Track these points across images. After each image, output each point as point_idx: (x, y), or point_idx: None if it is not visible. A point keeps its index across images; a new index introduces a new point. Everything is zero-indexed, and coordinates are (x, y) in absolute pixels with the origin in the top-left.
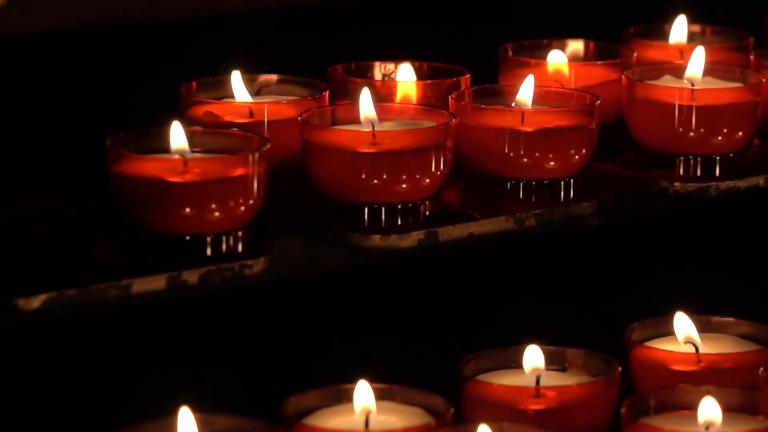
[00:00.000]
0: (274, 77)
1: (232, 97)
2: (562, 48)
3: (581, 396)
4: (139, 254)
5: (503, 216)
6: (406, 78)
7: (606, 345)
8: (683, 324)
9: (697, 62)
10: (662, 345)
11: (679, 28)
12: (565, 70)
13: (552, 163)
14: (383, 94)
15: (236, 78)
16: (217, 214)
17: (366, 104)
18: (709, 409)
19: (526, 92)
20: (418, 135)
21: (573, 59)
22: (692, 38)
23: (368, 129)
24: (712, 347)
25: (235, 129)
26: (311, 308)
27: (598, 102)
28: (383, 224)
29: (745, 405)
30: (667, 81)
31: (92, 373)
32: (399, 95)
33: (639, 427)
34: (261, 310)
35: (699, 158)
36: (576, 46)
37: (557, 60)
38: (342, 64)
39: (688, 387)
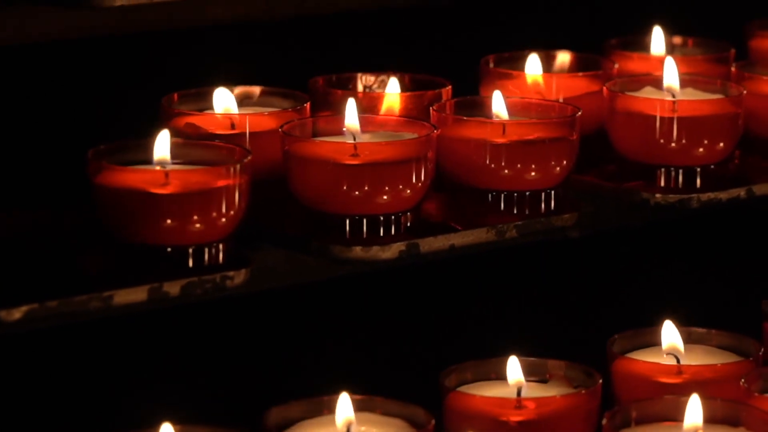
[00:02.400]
0: (256, 89)
1: (215, 108)
2: (543, 59)
3: (562, 408)
4: (121, 266)
5: (484, 227)
6: (388, 90)
7: (587, 356)
8: (670, 333)
9: (671, 73)
10: (643, 356)
11: (657, 40)
12: (546, 81)
13: (533, 175)
14: (365, 106)
15: (222, 93)
16: (198, 225)
17: (351, 115)
18: (694, 413)
19: (503, 104)
20: (400, 147)
21: (554, 71)
22: (673, 50)
23: (350, 140)
24: (693, 359)
25: (217, 141)
26: (293, 320)
27: (579, 113)
28: (364, 236)
29: (727, 417)
30: (648, 92)
31: (73, 385)
32: (380, 107)
33: None
34: (242, 322)
35: (680, 170)
36: (557, 57)
37: (538, 71)
38: (323, 75)
39: (670, 398)
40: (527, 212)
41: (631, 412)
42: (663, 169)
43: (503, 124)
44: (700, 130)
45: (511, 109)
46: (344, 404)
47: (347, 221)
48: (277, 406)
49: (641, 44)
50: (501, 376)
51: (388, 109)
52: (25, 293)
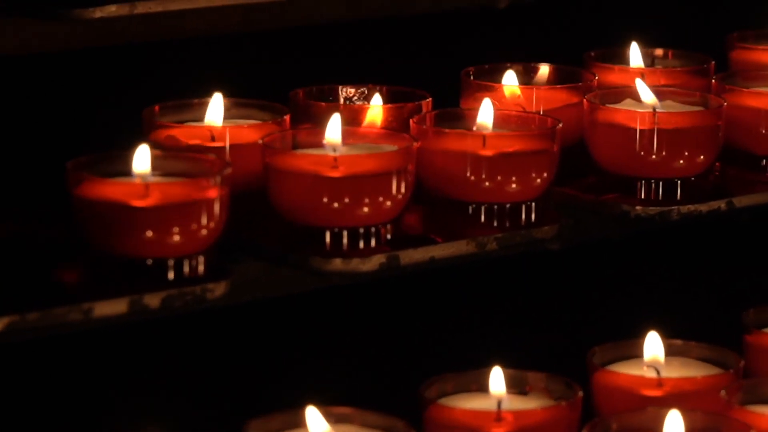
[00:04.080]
0: (235, 101)
1: (195, 120)
2: (524, 72)
3: (543, 420)
4: (101, 278)
5: (464, 240)
6: (368, 102)
7: (567, 369)
8: (653, 345)
9: (643, 87)
10: (624, 369)
11: (635, 53)
12: (526, 93)
13: (513, 187)
14: (345, 118)
15: (211, 100)
16: (178, 237)
17: (334, 129)
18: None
19: (485, 116)
20: (380, 159)
21: (534, 83)
22: (654, 62)
23: (330, 153)
24: (673, 371)
25: (197, 153)
26: (273, 332)
27: (560, 126)
28: (345, 248)
29: (707, 429)
30: (628, 105)
31: (52, 397)
32: (361, 119)
33: None
34: (222, 334)
35: (660, 182)
36: (537, 69)
37: (518, 84)
38: (303, 87)
39: (650, 410)
40: (508, 224)
41: (611, 425)
42: (643, 182)
43: (483, 136)
44: (680, 143)
45: (491, 121)
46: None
47: (327, 233)
48: (257, 418)
49: (621, 56)
50: (482, 388)
51: (369, 122)
52: (4, 305)
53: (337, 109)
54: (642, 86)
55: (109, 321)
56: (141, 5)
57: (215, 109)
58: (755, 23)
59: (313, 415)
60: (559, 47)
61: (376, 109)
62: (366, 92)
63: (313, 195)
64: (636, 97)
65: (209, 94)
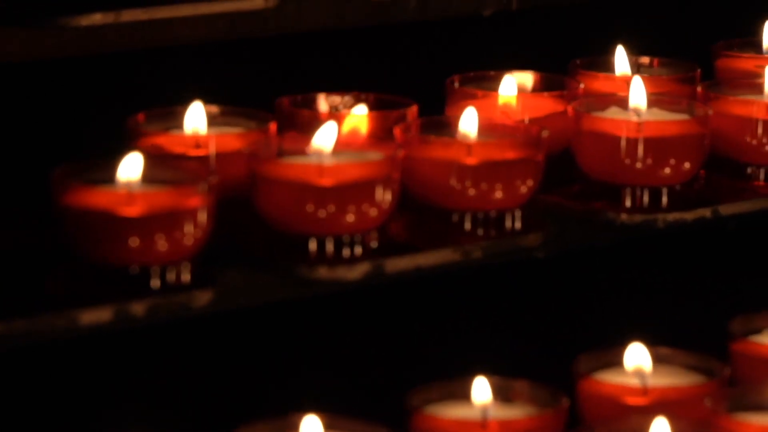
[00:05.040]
0: (220, 109)
1: (180, 128)
2: (509, 80)
3: (528, 428)
4: (86, 286)
5: (450, 248)
6: (353, 110)
7: (553, 377)
8: (637, 354)
9: (637, 92)
10: (609, 377)
11: (621, 60)
12: (512, 101)
13: (499, 195)
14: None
15: (196, 108)
16: (164, 246)
17: (323, 136)
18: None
19: (468, 124)
20: (365, 167)
21: (520, 91)
22: (639, 70)
23: (315, 161)
24: (659, 379)
25: (182, 161)
26: (258, 340)
27: (545, 134)
28: (330, 256)
29: None
30: (613, 113)
31: (37, 405)
32: (346, 127)
33: None
34: (208, 342)
35: (646, 190)
36: (522, 77)
37: (504, 92)
38: (289, 95)
39: (636, 419)
40: (493, 233)
41: None
42: (629, 190)
43: (469, 145)
44: (665, 151)
45: (476, 129)
46: (311, 425)
47: (313, 241)
48: (243, 427)
49: (607, 64)
50: (467, 397)
51: (354, 129)
52: None
53: (322, 117)
54: (638, 87)
55: (95, 329)
56: (126, 13)
57: (196, 116)
58: (741, 32)
59: (299, 422)
60: (544, 55)
61: (359, 118)
62: (351, 100)
63: (299, 203)
64: (622, 105)
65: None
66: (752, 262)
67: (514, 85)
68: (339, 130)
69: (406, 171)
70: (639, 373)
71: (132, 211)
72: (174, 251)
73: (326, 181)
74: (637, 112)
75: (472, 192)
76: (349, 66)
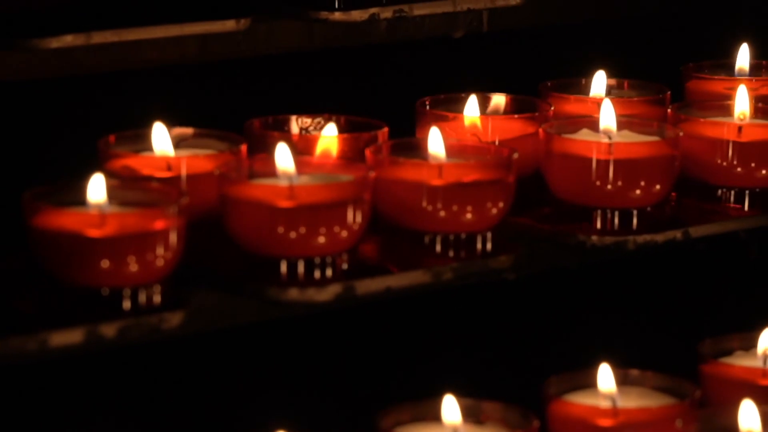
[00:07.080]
0: (191, 131)
1: (151, 150)
2: (480, 101)
3: None
4: (57, 307)
5: (421, 269)
6: (324, 132)
7: (523, 398)
8: (607, 376)
9: (607, 114)
10: (580, 398)
11: (599, 83)
12: (483, 123)
13: (469, 217)
14: (301, 148)
15: (159, 130)
16: (134, 267)
17: (283, 158)
18: None
19: (435, 145)
20: (336, 189)
21: (490, 113)
22: (610, 92)
23: (285, 183)
24: (629, 400)
25: (153, 183)
26: (229, 361)
27: (516, 155)
28: (301, 278)
29: None
30: (584, 135)
31: (8, 426)
32: (317, 149)
33: None
34: (179, 364)
35: (616, 212)
36: (493, 99)
37: (474, 114)
38: (259, 117)
39: None
40: (464, 254)
41: None
42: (599, 211)
43: (440, 166)
44: (636, 173)
45: (447, 151)
46: None
47: (283, 263)
48: None
49: (577, 86)
50: (437, 418)
51: (325, 151)
52: None
53: (289, 139)
54: (608, 109)
55: (65, 351)
56: (97, 35)
57: (159, 138)
58: (711, 54)
59: None
60: (515, 77)
61: (330, 140)
62: (322, 122)
63: (269, 225)
64: (593, 127)
65: (168, 124)
66: (722, 284)
67: (484, 107)
68: (310, 152)
69: (377, 193)
70: (609, 395)
71: (103, 232)
72: (145, 273)
73: (296, 203)
74: (607, 134)
75: (442, 214)
76: (320, 88)
